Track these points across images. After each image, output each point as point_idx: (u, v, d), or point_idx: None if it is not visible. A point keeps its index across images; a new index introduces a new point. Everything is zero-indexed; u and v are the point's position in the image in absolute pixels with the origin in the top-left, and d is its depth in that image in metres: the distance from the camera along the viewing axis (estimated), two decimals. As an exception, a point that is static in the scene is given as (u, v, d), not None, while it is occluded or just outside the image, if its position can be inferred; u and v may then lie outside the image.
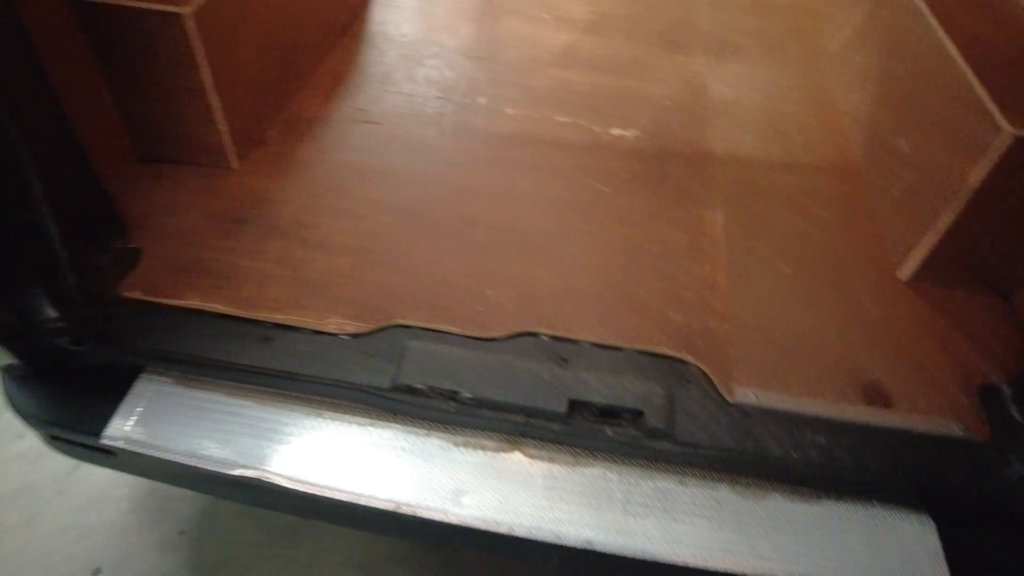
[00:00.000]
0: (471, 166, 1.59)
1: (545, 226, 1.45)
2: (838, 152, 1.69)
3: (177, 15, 1.26)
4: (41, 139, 1.12)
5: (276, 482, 1.15)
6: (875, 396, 1.17)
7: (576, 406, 1.12)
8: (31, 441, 1.43)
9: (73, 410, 1.25)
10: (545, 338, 1.23)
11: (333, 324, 1.23)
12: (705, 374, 1.18)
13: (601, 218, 1.47)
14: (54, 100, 1.17)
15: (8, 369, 1.29)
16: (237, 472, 1.16)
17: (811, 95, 1.89)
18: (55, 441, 1.32)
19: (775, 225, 1.48)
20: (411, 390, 1.15)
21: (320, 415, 1.22)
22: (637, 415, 1.11)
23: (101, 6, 1.27)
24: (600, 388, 1.13)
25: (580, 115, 1.76)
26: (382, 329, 1.23)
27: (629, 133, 1.72)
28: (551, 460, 1.14)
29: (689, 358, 1.20)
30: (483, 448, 1.16)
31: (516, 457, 1.15)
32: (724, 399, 1.15)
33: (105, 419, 1.21)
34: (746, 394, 1.16)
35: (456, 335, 1.22)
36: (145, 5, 1.27)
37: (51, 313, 1.19)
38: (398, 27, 2.05)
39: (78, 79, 1.31)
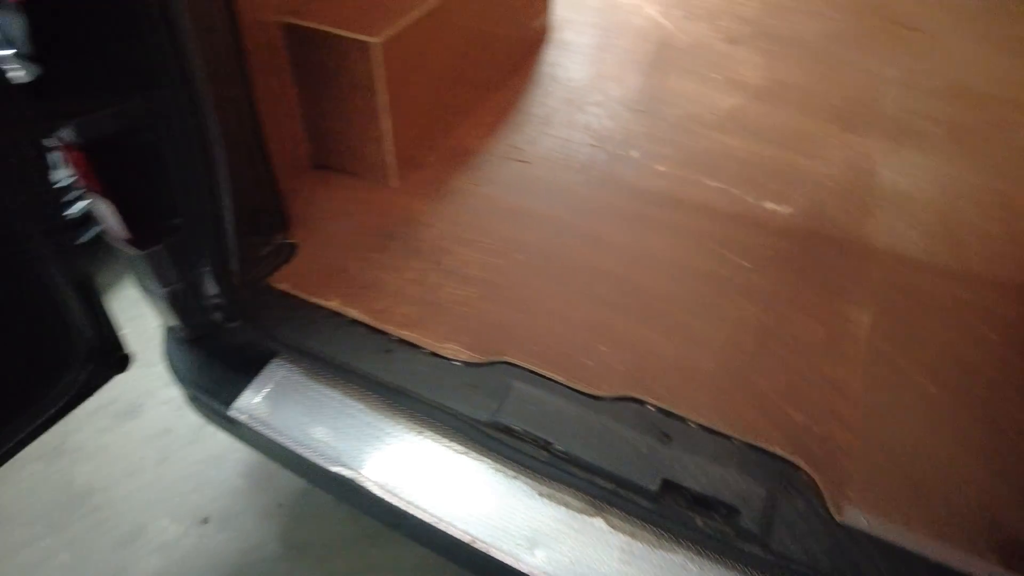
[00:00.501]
0: (611, 219, 1.59)
1: (674, 292, 1.42)
2: (1022, 270, 1.52)
3: (367, 43, 1.39)
4: (235, 139, 1.27)
5: (367, 486, 1.21)
6: (1017, 560, 1.03)
7: (669, 487, 1.09)
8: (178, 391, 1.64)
9: (212, 378, 1.40)
10: (650, 408, 1.20)
11: (449, 349, 1.28)
12: (815, 484, 1.10)
13: (734, 295, 1.42)
14: (252, 106, 1.33)
15: (171, 330, 1.47)
16: (335, 469, 1.23)
17: (999, 199, 1.71)
18: (193, 400, 1.47)
19: (929, 338, 1.35)
20: (507, 430, 1.17)
21: (420, 432, 1.27)
22: (732, 511, 1.05)
23: (306, 29, 1.43)
24: (698, 474, 1.09)
25: (733, 183, 1.72)
26: (492, 363, 1.26)
27: (783, 209, 1.65)
28: (632, 535, 1.11)
29: (801, 463, 1.13)
30: (566, 505, 1.15)
31: (597, 523, 1.13)
32: (831, 516, 1.06)
33: (236, 393, 1.34)
34: (857, 517, 1.06)
35: (561, 385, 1.23)
36: (342, 32, 1.41)
37: (213, 290, 1.34)
38: (567, 71, 2.11)
39: (274, 89, 1.47)
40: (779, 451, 1.14)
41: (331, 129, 1.59)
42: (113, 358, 1.21)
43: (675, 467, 1.10)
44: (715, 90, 2.07)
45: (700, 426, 1.17)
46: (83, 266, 1.12)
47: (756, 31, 2.37)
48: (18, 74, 0.95)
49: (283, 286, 1.39)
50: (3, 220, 0.98)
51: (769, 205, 1.66)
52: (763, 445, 1.15)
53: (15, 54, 0.98)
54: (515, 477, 1.20)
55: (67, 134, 1.07)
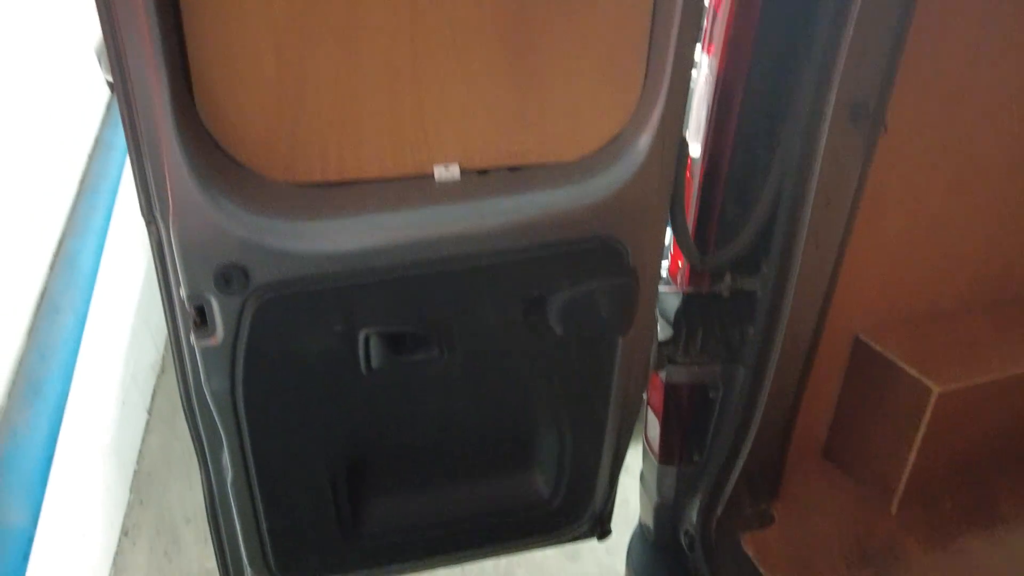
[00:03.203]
0: None
1: None
2: None
3: (927, 388, 1.45)
4: (772, 416, 1.48)
5: None
6: None
7: None
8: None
9: (656, 585, 1.61)
10: None
11: None
12: None
13: None
14: (798, 394, 1.52)
15: (643, 526, 1.76)
16: None
17: None
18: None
19: None
20: None
21: None
22: None
23: (874, 350, 1.57)
24: None
25: None
26: None
27: None
28: None
29: None
30: None
31: None
32: None
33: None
34: None
35: None
36: (906, 367, 1.50)
37: (691, 520, 1.57)
38: None
39: (821, 382, 1.64)
40: None
41: (855, 433, 1.68)
42: (603, 528, 1.53)
43: None
44: None
45: None
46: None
47: None
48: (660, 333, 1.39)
49: (747, 548, 1.52)
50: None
51: None
52: None
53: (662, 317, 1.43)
54: None
55: (662, 373, 1.47)
